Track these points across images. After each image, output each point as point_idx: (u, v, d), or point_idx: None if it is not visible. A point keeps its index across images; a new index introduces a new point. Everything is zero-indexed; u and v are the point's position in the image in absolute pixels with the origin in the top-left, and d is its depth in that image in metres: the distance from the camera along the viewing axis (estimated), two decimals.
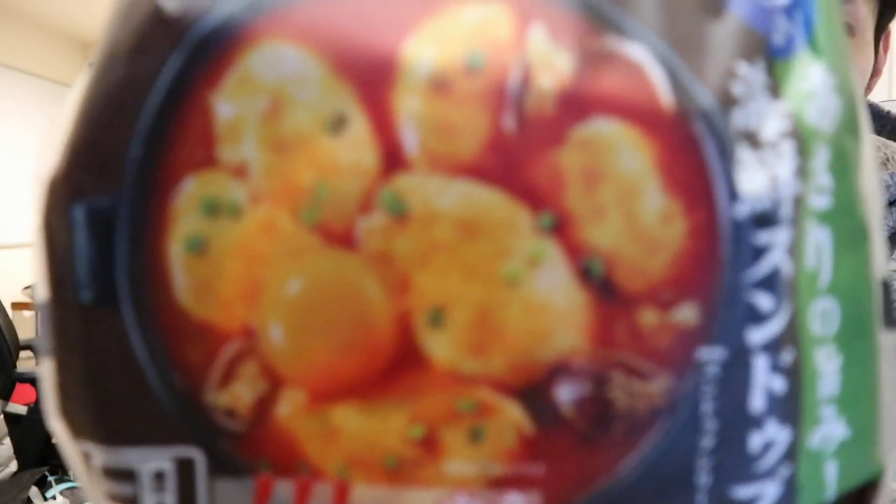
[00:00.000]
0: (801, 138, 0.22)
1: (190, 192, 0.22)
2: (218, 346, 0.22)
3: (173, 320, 0.22)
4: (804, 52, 0.22)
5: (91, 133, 0.22)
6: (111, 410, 0.23)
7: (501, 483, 0.22)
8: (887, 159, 0.56)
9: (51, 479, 2.15)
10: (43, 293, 0.23)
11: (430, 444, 0.22)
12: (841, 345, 0.23)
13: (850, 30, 0.46)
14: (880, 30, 0.51)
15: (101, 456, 0.23)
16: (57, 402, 0.24)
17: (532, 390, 0.21)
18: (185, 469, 0.23)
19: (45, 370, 0.24)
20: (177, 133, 0.21)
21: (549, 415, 0.21)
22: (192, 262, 0.22)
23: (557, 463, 0.22)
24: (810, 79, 0.22)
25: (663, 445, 0.22)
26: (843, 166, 0.23)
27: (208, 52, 0.21)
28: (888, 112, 0.63)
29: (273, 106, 0.21)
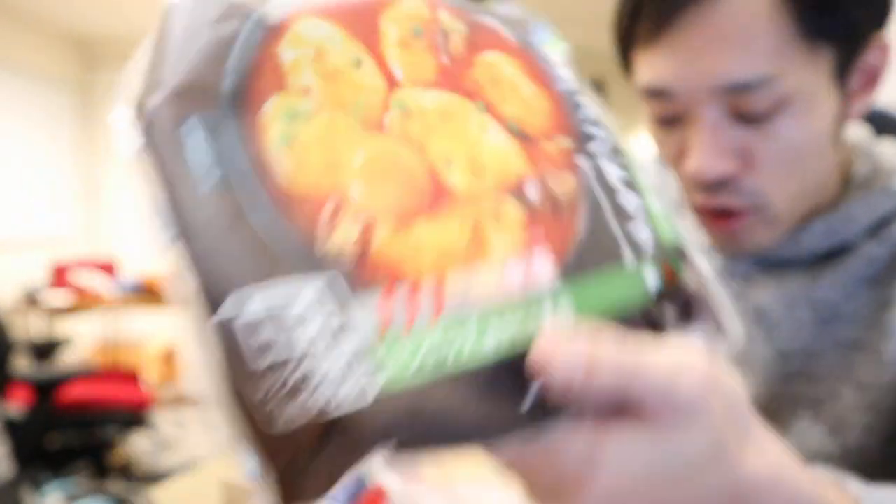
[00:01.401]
0: None
1: (275, 105, 0.31)
2: (318, 208, 0.30)
3: (281, 197, 0.30)
4: None
5: (191, 76, 0.30)
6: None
7: (529, 244, 0.33)
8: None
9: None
10: (162, 195, 0.28)
11: (478, 237, 0.33)
12: None
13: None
14: (848, 68, 0.56)
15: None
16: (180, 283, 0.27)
17: (516, 192, 0.35)
18: (323, 296, 0.28)
19: (174, 253, 0.27)
20: (256, 71, 0.31)
21: (530, 204, 0.35)
22: (285, 153, 0.31)
23: (547, 228, 0.34)
24: None
25: (590, 215, 0.36)
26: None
27: (267, 25, 0.33)
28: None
29: (317, 53, 0.33)
